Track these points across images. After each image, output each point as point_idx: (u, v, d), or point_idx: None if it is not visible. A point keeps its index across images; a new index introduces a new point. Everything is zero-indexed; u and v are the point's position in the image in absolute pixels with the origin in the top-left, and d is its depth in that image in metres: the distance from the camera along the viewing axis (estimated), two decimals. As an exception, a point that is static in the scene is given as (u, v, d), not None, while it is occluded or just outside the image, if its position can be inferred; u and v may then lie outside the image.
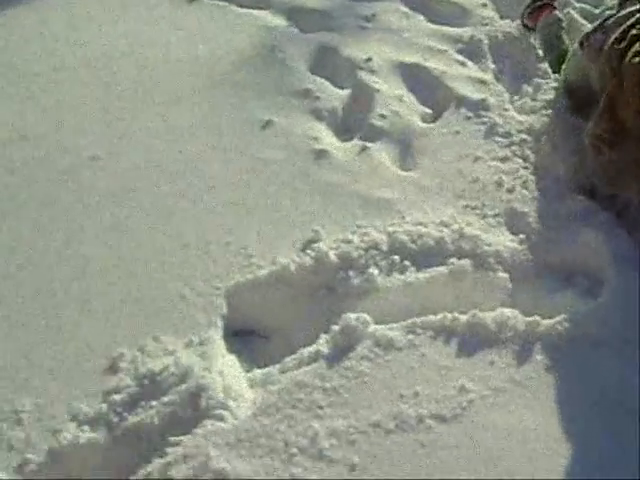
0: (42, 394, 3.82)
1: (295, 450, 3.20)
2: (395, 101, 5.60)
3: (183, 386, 3.54)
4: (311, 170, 4.97)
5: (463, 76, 5.82)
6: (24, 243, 4.54)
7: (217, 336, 3.91)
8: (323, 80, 5.87)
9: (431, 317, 3.73)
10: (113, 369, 3.82)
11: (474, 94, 5.56)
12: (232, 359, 3.83)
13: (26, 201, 4.83)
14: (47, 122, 5.44)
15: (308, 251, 4.23)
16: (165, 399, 3.53)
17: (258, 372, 3.78)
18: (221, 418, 3.41)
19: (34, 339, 4.09)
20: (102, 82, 5.86)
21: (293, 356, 3.74)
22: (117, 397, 3.63)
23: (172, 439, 3.37)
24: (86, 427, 3.56)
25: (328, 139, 5.33)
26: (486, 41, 6.21)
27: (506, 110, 5.32)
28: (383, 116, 5.45)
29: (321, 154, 5.09)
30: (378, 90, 5.70)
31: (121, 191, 4.87)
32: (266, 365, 3.84)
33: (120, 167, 5.06)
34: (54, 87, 5.84)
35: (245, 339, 4.11)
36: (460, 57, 6.10)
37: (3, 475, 3.48)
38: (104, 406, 3.62)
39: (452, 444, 3.17)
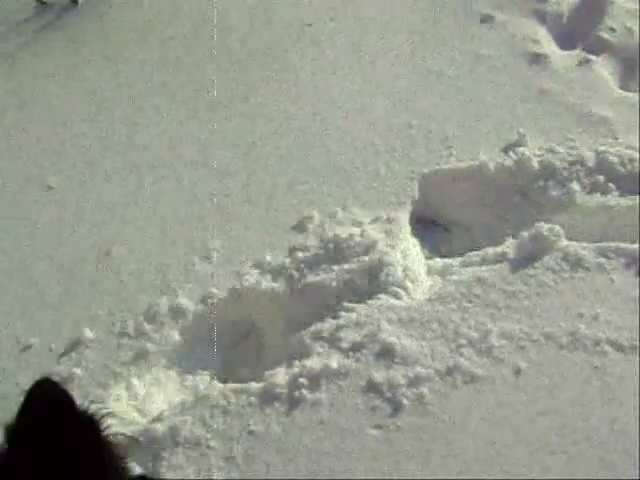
0: (233, 239, 4.06)
1: (464, 341, 3.23)
2: (630, 16, 5.21)
3: (366, 258, 3.63)
4: (525, 73, 4.77)
5: None
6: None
7: (404, 218, 3.95)
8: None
9: (627, 245, 3.58)
10: (301, 228, 3.98)
11: None
12: (415, 243, 3.87)
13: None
14: None
15: (510, 153, 4.13)
16: (346, 266, 3.64)
17: (438, 261, 3.81)
18: (397, 295, 3.49)
19: (232, 189, 4.34)
20: None
21: (476, 253, 3.73)
22: (301, 255, 3.79)
23: (347, 305, 3.50)
24: (268, 276, 3.76)
25: (548, 45, 5.06)
26: None
27: None
28: (613, 30, 5.09)
29: (538, 59, 4.86)
30: (612, 2, 5.31)
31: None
32: (446, 256, 3.87)
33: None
34: None
35: (429, 227, 4.13)
36: None
37: (187, 303, 3.78)
38: (288, 261, 3.80)
39: (626, 374, 3.09)
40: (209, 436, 3.05)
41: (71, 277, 4.17)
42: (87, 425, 1.72)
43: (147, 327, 3.67)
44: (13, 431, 1.68)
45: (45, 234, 4.44)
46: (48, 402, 1.69)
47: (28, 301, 4.12)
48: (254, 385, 3.23)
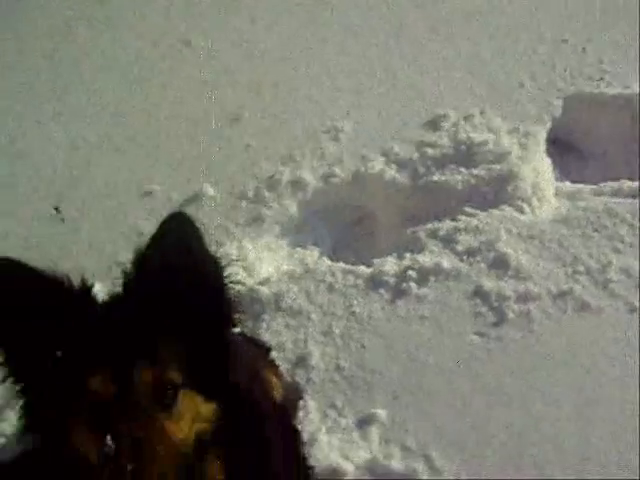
0: (363, 122, 4.02)
1: (582, 269, 3.13)
2: None
3: (496, 166, 3.54)
4: None
5: None
6: None
7: (542, 134, 3.81)
8: None
9: None
10: (435, 125, 3.90)
11: None
12: (548, 163, 3.74)
13: None
14: None
15: (668, 90, 3.88)
16: (475, 171, 3.56)
17: (569, 185, 3.68)
18: (521, 210, 3.41)
19: (373, 73, 4.27)
20: None
21: (611, 184, 3.58)
22: (431, 151, 3.72)
23: (468, 209, 3.44)
24: (393, 167, 3.72)
25: None
26: None
27: None
28: None
29: None
30: None
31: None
32: (578, 182, 3.72)
33: None
34: None
35: (564, 150, 3.97)
36: None
37: (309, 178, 3.79)
38: (416, 155, 3.74)
39: None
40: (311, 309, 3.11)
41: (200, 134, 4.25)
42: (212, 263, 1.77)
43: (267, 194, 3.73)
44: (142, 257, 1.75)
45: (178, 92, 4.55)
46: (180, 232, 1.74)
47: (157, 150, 4.24)
48: (363, 269, 3.25)
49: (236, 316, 1.81)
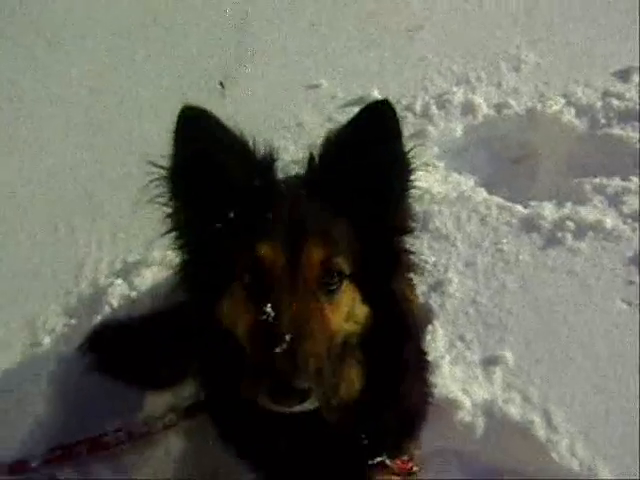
0: (550, 57, 3.81)
1: None
2: None
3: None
4: None
5: None
6: None
7: None
8: None
9: None
10: (625, 77, 3.66)
11: None
12: None
13: None
14: None
15: None
16: (660, 133, 3.33)
17: None
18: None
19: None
20: None
21: None
22: (615, 103, 3.50)
23: (644, 172, 3.23)
24: (572, 110, 3.51)
25: None
26: None
27: None
28: None
29: None
30: None
31: None
32: None
33: None
34: None
35: None
36: None
37: (481, 104, 3.65)
38: (599, 104, 3.51)
39: None
40: (458, 236, 3.03)
41: (377, 40, 4.15)
42: (404, 161, 1.70)
43: (435, 112, 3.61)
44: (334, 138, 1.70)
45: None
46: (381, 120, 1.66)
47: (333, 43, 4.18)
48: (519, 208, 3.13)
49: (412, 224, 1.76)
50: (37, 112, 4.24)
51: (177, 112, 1.64)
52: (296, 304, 1.54)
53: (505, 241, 2.99)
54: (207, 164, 1.65)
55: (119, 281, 3.04)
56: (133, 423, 2.69)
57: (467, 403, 2.48)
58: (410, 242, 1.79)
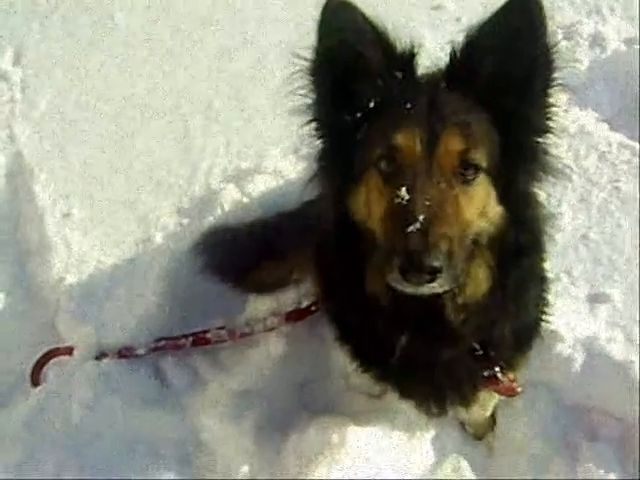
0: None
1: None
2: None
3: None
4: None
5: None
6: None
7: None
8: None
9: None
10: None
11: None
12: None
13: None
14: None
15: None
16: None
17: None
18: None
19: None
20: None
21: None
22: None
23: None
24: None
25: None
26: None
27: None
28: None
29: None
30: None
31: None
32: None
33: None
34: None
35: None
36: None
37: (613, 38, 3.48)
38: None
39: None
40: (575, 170, 2.94)
41: None
42: (550, 57, 1.66)
43: (562, 42, 3.46)
44: (477, 33, 1.67)
45: None
46: (528, 14, 1.61)
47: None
48: (642, 148, 3.01)
49: (553, 124, 1.72)
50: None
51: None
52: (431, 188, 1.56)
53: (624, 179, 2.90)
54: (350, 54, 1.67)
55: (231, 186, 3.12)
56: (235, 323, 2.80)
57: (569, 337, 2.47)
58: (550, 143, 1.74)
